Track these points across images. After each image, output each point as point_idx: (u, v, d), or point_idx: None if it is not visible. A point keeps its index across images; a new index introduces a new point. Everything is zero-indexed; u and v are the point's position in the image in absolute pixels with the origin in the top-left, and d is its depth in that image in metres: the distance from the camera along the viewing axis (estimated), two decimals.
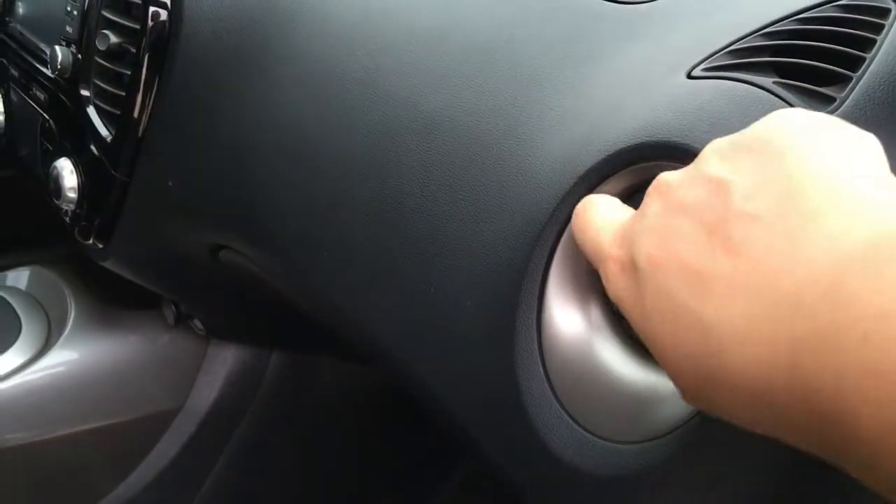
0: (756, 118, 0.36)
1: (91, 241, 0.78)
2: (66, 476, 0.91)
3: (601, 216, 0.35)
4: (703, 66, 0.40)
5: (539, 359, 0.41)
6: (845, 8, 0.40)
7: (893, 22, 0.38)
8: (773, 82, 0.36)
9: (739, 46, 0.40)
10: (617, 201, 0.36)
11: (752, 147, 0.29)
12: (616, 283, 0.31)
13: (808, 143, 0.28)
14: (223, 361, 0.96)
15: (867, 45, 0.38)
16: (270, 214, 0.60)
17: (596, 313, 0.40)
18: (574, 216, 0.37)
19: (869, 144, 0.28)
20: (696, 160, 0.31)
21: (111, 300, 0.94)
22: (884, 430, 0.20)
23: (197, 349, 0.95)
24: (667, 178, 0.31)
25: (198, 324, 0.93)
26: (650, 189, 0.32)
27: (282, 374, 0.99)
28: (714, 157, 0.30)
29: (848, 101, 0.35)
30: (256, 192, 0.61)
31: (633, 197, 0.40)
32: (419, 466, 1.09)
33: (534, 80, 0.48)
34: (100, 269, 0.82)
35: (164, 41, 0.65)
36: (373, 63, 0.55)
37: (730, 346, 0.25)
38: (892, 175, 0.27)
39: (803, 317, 0.23)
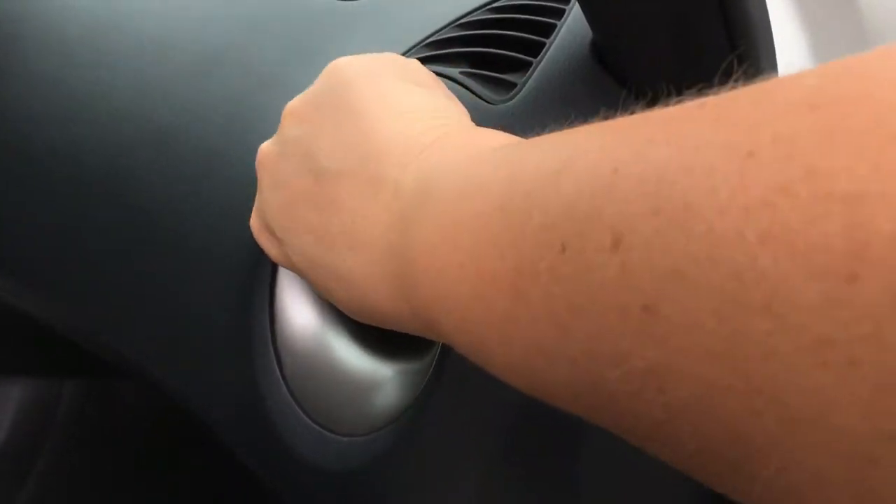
0: None
1: None
2: None
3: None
4: None
5: (276, 362, 0.41)
6: None
7: (573, 7, 0.40)
8: (460, 72, 0.38)
9: (437, 38, 0.41)
10: None
11: (321, 100, 0.31)
12: (269, 250, 0.34)
13: (364, 84, 0.30)
14: (7, 399, 0.90)
15: (551, 30, 0.40)
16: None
17: (324, 307, 0.41)
18: None
19: (413, 64, 0.32)
20: (280, 126, 0.33)
21: None
22: (453, 328, 0.23)
23: None
24: (264, 149, 0.34)
25: None
26: (256, 162, 0.34)
27: (78, 404, 0.94)
28: (292, 120, 0.32)
29: (528, 85, 0.37)
30: None
31: None
32: (242, 486, 1.07)
33: (263, 83, 0.47)
34: None
35: None
36: (100, 78, 0.53)
37: (365, 290, 0.28)
38: (436, 92, 0.31)
39: (393, 255, 0.26)
